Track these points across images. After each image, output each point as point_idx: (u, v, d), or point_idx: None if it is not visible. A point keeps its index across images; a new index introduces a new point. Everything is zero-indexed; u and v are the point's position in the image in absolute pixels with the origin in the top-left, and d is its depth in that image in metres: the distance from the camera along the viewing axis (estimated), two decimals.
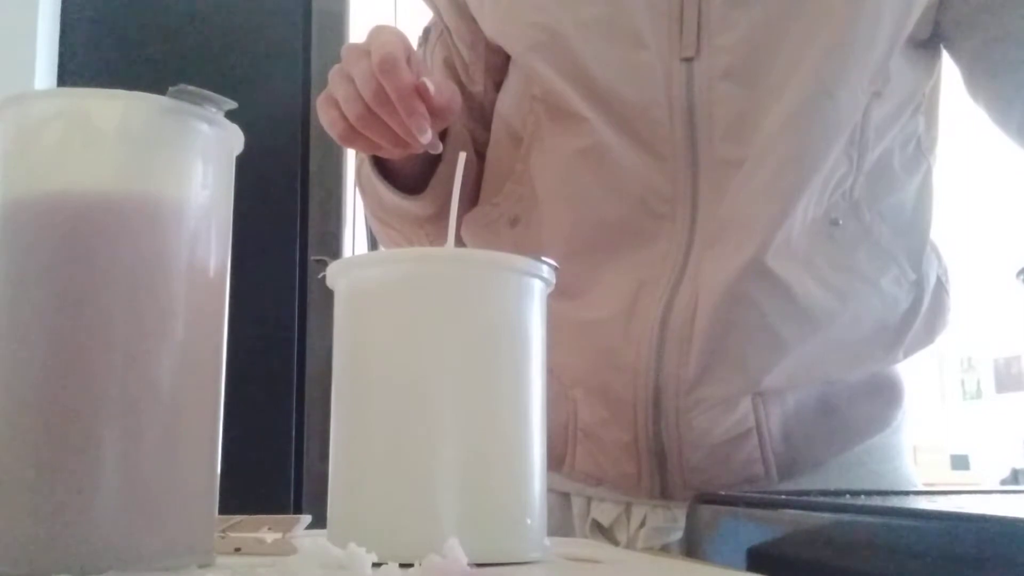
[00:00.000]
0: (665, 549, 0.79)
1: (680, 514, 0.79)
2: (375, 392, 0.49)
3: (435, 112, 0.69)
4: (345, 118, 0.70)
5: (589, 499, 0.83)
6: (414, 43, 0.94)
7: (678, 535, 0.79)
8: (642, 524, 0.80)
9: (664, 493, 0.79)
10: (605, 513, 0.82)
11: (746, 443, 0.77)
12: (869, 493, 0.69)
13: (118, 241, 0.43)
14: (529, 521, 0.49)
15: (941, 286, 0.85)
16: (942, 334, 0.86)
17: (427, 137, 0.68)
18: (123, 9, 2.07)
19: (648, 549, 0.78)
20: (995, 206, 3.86)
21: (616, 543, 0.81)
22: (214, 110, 0.47)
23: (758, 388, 0.77)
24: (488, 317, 0.50)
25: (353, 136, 0.71)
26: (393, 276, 0.51)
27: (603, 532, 0.82)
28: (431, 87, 0.67)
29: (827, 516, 0.52)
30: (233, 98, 0.47)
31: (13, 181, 0.45)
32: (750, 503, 0.61)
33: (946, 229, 0.86)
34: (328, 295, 0.53)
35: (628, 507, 0.81)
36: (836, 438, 0.81)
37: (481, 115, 0.91)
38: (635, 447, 0.78)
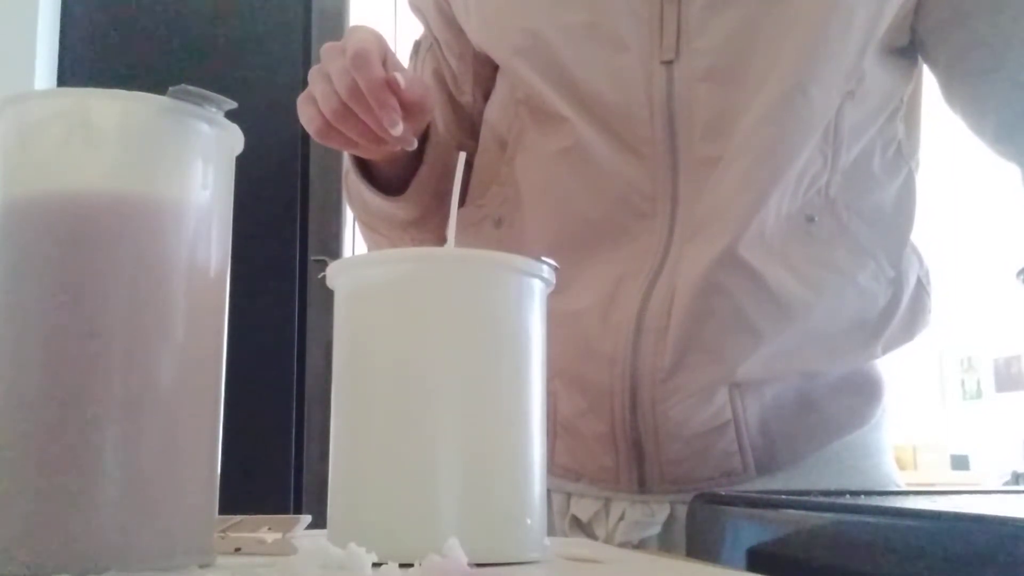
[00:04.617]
0: (643, 544, 0.80)
1: (658, 509, 0.80)
2: (375, 392, 0.49)
3: (407, 107, 0.70)
4: (322, 114, 0.71)
5: (568, 495, 0.84)
6: (407, 49, 0.96)
7: (656, 530, 0.80)
8: (620, 519, 0.81)
9: (642, 486, 0.79)
10: (584, 509, 0.83)
11: (723, 435, 0.78)
12: (869, 493, 0.69)
13: (118, 241, 0.43)
14: (529, 521, 0.49)
15: (921, 287, 0.86)
16: (922, 332, 0.87)
17: (398, 130, 0.69)
18: (123, 9, 2.07)
19: (625, 544, 0.79)
20: (995, 208, 3.86)
21: (595, 539, 0.81)
22: (214, 110, 0.47)
23: (734, 378, 0.77)
24: (488, 317, 0.50)
25: (329, 132, 0.72)
26: (393, 276, 0.51)
27: (582, 528, 0.83)
28: (402, 81, 0.69)
29: (827, 516, 0.52)
30: (233, 98, 0.47)
31: (13, 181, 0.45)
32: (750, 503, 0.61)
33: (947, 230, 0.87)
34: (328, 295, 0.53)
35: (607, 503, 0.82)
36: (814, 433, 0.82)
37: (470, 125, 0.93)
38: (612, 438, 0.79)
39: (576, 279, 0.79)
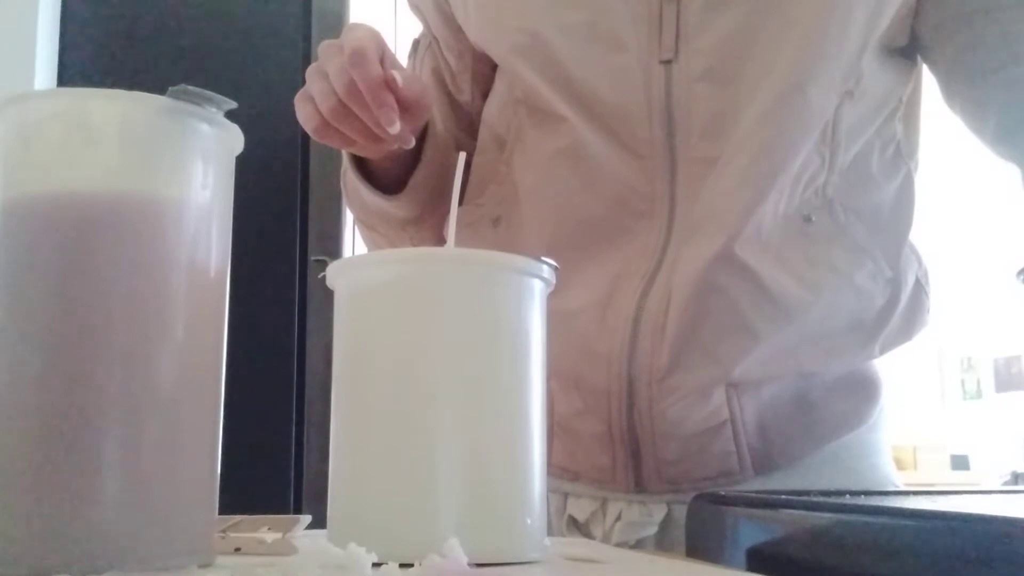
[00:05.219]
0: (639, 544, 0.80)
1: (655, 509, 0.80)
2: (375, 392, 0.49)
3: (405, 105, 0.70)
4: (320, 113, 0.71)
5: (566, 495, 0.84)
6: (407, 49, 0.96)
7: (653, 530, 0.80)
8: (617, 519, 0.81)
9: (639, 486, 0.79)
10: (581, 509, 0.83)
11: (720, 435, 0.78)
12: (869, 493, 0.69)
13: (118, 241, 0.43)
14: (529, 521, 0.49)
15: (920, 287, 0.86)
16: (920, 332, 0.87)
17: (396, 128, 0.69)
18: (123, 9, 2.07)
19: (622, 544, 0.79)
20: (995, 208, 3.86)
21: (592, 539, 0.81)
22: (214, 110, 0.47)
23: (731, 378, 0.77)
24: (488, 317, 0.50)
25: (327, 130, 0.72)
26: (393, 276, 0.51)
27: (579, 528, 0.83)
28: (399, 79, 0.69)
29: (827, 516, 0.52)
30: (233, 98, 0.47)
31: (13, 181, 0.45)
32: (750, 503, 0.61)
33: (947, 230, 0.87)
34: (328, 295, 0.53)
35: (604, 503, 0.82)
36: (812, 433, 0.82)
37: (468, 124, 0.93)
38: (609, 438, 0.78)
39: (573, 279, 0.79)
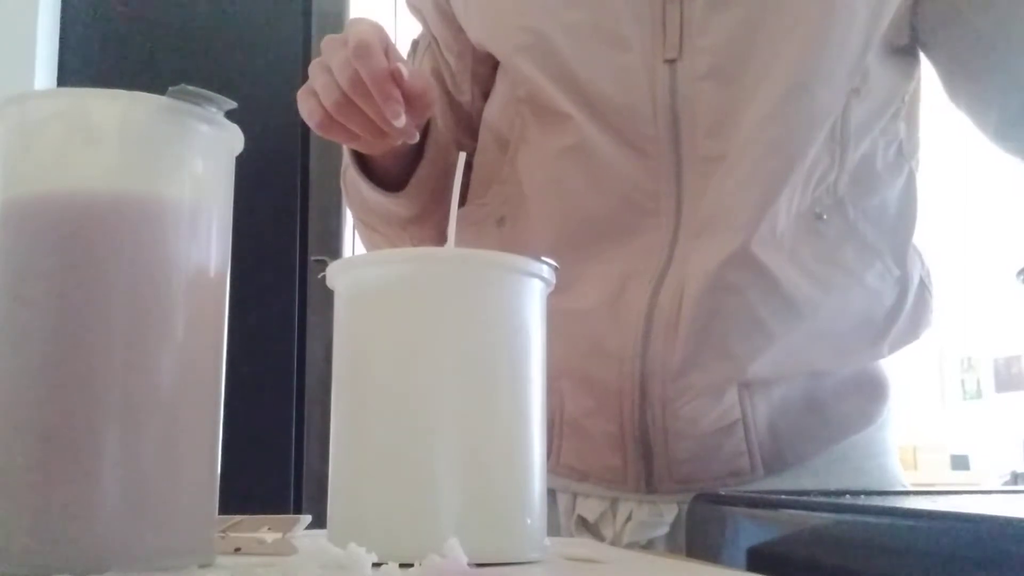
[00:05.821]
0: (650, 544, 0.79)
1: (666, 509, 0.79)
2: (375, 392, 0.49)
3: (410, 98, 0.70)
4: (323, 107, 0.70)
5: (575, 495, 0.83)
6: (406, 44, 0.96)
7: (664, 530, 0.79)
8: (628, 519, 0.80)
9: (649, 486, 0.79)
10: (591, 509, 0.82)
11: (732, 435, 0.78)
12: (869, 493, 0.69)
13: (118, 241, 0.43)
14: (529, 521, 0.49)
15: (924, 286, 0.87)
16: (926, 331, 0.87)
17: (401, 122, 0.68)
18: (123, 9, 2.07)
19: (633, 544, 0.79)
20: (995, 208, 3.86)
21: (602, 539, 0.81)
22: (214, 110, 0.47)
23: (744, 377, 0.77)
24: (488, 317, 0.50)
25: (331, 125, 0.72)
26: (393, 276, 0.51)
27: (588, 528, 0.82)
28: (405, 72, 0.68)
29: (827, 516, 0.52)
30: (233, 98, 0.47)
31: (13, 181, 0.45)
32: (750, 503, 0.61)
33: (947, 230, 0.87)
34: (328, 295, 0.53)
35: (614, 503, 0.82)
36: (821, 433, 0.82)
37: (468, 124, 0.93)
38: (620, 438, 0.78)
39: (581, 277, 0.79)
